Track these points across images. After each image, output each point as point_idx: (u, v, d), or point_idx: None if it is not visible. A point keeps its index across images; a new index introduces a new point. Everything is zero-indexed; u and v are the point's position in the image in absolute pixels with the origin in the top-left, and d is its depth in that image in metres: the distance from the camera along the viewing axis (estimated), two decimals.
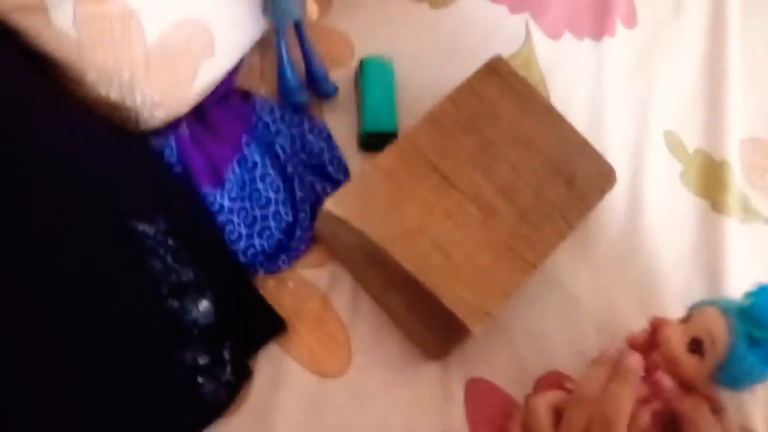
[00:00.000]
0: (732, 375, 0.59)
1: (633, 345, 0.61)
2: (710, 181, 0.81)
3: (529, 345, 0.70)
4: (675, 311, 0.73)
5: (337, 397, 0.64)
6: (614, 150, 0.79)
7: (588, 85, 0.83)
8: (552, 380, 0.66)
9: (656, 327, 0.61)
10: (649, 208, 0.78)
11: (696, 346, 0.58)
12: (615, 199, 0.76)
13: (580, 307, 0.72)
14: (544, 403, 0.57)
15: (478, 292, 0.61)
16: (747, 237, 0.79)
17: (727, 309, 0.59)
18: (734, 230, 0.78)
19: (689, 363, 0.58)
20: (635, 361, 0.55)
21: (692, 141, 0.83)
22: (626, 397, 0.53)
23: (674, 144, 0.82)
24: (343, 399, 0.64)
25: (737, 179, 0.81)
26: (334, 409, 0.64)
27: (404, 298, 0.64)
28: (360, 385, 0.65)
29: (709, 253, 0.77)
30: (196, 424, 0.59)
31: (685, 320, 0.61)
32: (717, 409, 0.59)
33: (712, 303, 0.62)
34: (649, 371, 0.58)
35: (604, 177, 0.69)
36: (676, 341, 0.59)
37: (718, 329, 0.58)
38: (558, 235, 0.65)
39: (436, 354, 0.66)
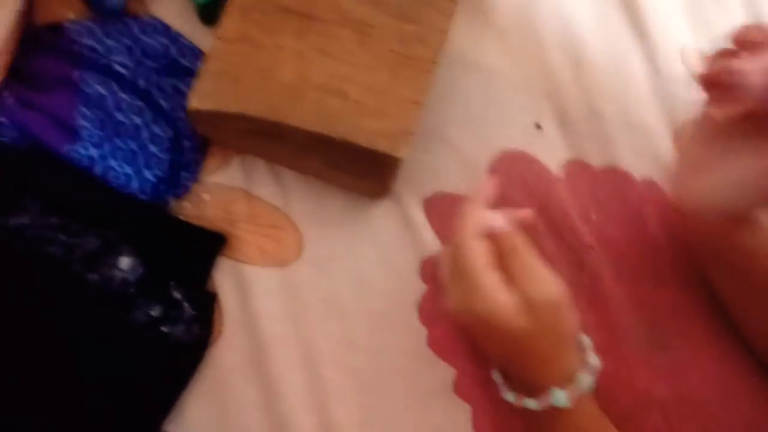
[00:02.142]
0: None
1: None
2: None
3: (468, 137, 0.66)
4: (592, 39, 0.70)
5: (306, 277, 0.62)
6: None
7: None
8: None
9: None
10: None
11: None
12: None
13: (502, 77, 0.68)
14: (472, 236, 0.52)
15: (389, 116, 0.56)
16: None
17: None
18: None
19: None
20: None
21: None
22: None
23: None
24: (313, 275, 0.62)
25: None
26: (309, 289, 0.62)
27: (323, 156, 0.59)
28: (322, 254, 0.63)
29: None
30: (186, 367, 0.58)
31: None
32: None
33: None
34: None
35: None
36: None
37: None
38: (444, 16, 0.59)
39: (379, 193, 0.63)
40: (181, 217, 0.61)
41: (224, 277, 0.61)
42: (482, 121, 0.67)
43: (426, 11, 0.58)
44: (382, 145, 0.55)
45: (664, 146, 0.68)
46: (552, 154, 0.67)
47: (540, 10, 0.70)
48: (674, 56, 0.69)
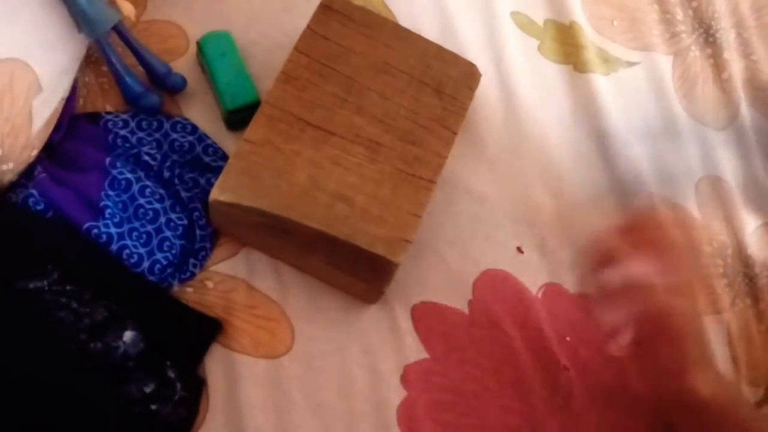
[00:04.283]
0: None
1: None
2: (566, 45, 0.84)
3: (456, 254, 0.72)
4: (573, 179, 0.78)
5: (294, 371, 0.65)
6: (471, 47, 0.80)
7: None
8: None
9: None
10: (520, 90, 0.80)
11: None
12: (487, 92, 0.78)
13: (490, 203, 0.75)
14: None
15: (390, 224, 0.61)
16: (614, 84, 0.83)
17: None
18: (601, 83, 0.82)
19: None
20: None
21: (538, 14, 0.85)
22: None
23: (523, 22, 0.84)
24: (300, 370, 0.65)
25: (589, 35, 0.85)
26: (295, 384, 0.64)
27: (324, 256, 0.64)
28: (311, 352, 0.65)
29: (587, 113, 0.81)
30: None
31: None
32: None
33: None
34: None
35: (469, 75, 0.70)
36: None
37: None
38: (444, 144, 0.66)
39: (373, 296, 0.67)
40: (183, 301, 0.64)
41: (215, 363, 0.63)
42: (470, 240, 0.73)
43: (429, 137, 0.66)
44: (381, 248, 0.60)
45: None
46: (531, 276, 0.72)
47: (526, 147, 0.78)
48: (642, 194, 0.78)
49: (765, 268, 0.79)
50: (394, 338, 0.68)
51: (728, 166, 0.83)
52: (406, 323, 0.68)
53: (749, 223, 0.81)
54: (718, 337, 0.75)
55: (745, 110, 0.86)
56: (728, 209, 0.80)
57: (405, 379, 0.66)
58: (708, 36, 0.89)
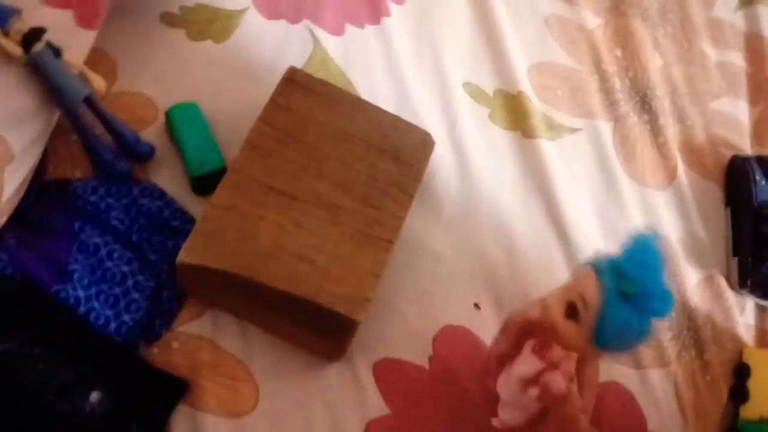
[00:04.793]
0: (610, 333, 0.56)
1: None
2: (514, 113, 0.90)
3: (416, 311, 0.75)
4: (524, 238, 0.82)
5: (258, 429, 0.66)
6: (427, 116, 0.85)
7: (383, 65, 0.88)
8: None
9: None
10: (472, 155, 0.85)
11: (571, 311, 0.57)
12: (442, 157, 0.83)
13: (448, 261, 0.78)
14: None
15: (350, 283, 0.64)
16: (559, 149, 0.89)
17: (600, 267, 0.57)
18: (547, 148, 0.88)
19: (567, 329, 0.57)
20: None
21: (489, 84, 0.92)
22: None
23: (475, 92, 0.90)
24: (265, 428, 0.66)
25: (536, 104, 0.91)
26: None
27: (287, 315, 0.66)
28: (275, 410, 0.67)
29: (535, 176, 0.86)
30: None
31: (565, 286, 0.60)
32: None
33: (591, 262, 0.59)
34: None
35: (424, 142, 0.75)
36: (554, 309, 0.58)
37: (589, 290, 0.56)
38: (401, 207, 0.70)
39: (335, 354, 0.69)
40: (149, 361, 0.65)
41: (180, 423, 0.64)
42: (429, 297, 0.76)
43: (387, 200, 0.70)
44: (342, 306, 0.63)
45: None
46: (488, 331, 0.75)
47: (479, 208, 0.83)
48: (589, 252, 0.82)
49: (708, 321, 0.84)
50: (356, 394, 0.69)
51: (669, 224, 0.89)
52: (367, 379, 0.70)
53: (691, 278, 0.86)
54: (666, 389, 0.78)
55: (682, 172, 0.93)
56: (671, 265, 0.85)
57: None
58: (644, 103, 0.96)
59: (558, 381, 0.59)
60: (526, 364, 0.62)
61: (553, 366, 0.61)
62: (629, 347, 0.61)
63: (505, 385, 0.65)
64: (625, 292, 0.55)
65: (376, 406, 0.69)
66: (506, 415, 0.66)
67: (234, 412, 0.66)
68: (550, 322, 0.58)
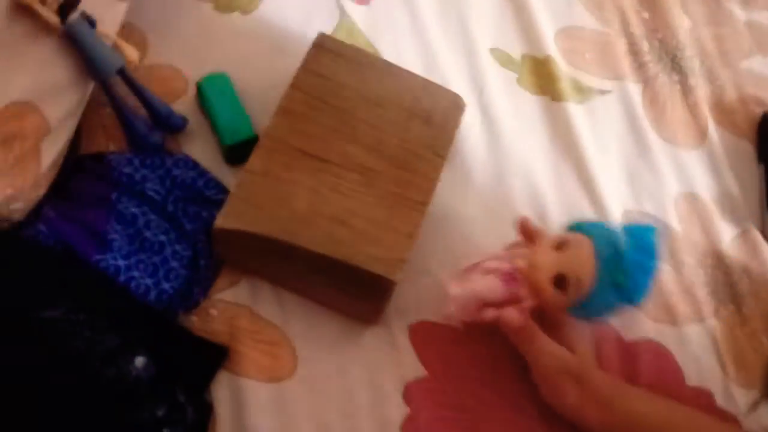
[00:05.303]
0: (589, 311, 0.64)
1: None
2: (542, 78, 0.89)
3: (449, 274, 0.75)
4: (555, 201, 0.81)
5: (298, 394, 0.66)
6: (455, 80, 0.85)
7: (410, 33, 0.88)
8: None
9: (528, 233, 0.67)
10: (501, 120, 0.85)
11: (561, 282, 0.61)
12: (471, 123, 0.83)
13: (479, 226, 0.78)
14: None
15: (386, 245, 0.64)
16: (589, 113, 0.88)
17: (600, 249, 0.61)
18: (577, 111, 0.87)
19: (551, 295, 0.61)
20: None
21: (516, 50, 0.91)
22: None
23: (502, 58, 0.90)
24: (304, 393, 0.67)
25: (563, 68, 0.90)
26: (300, 406, 0.66)
27: (324, 279, 0.67)
28: (313, 373, 0.67)
29: (565, 140, 0.85)
30: None
31: (559, 246, 0.63)
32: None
33: (590, 229, 0.64)
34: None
35: (455, 105, 0.75)
36: (544, 271, 0.61)
37: (585, 272, 0.60)
38: (434, 168, 0.70)
39: (372, 317, 0.70)
40: (188, 329, 0.66)
41: (221, 388, 0.65)
42: (461, 261, 0.75)
43: (419, 163, 0.70)
44: (380, 268, 0.63)
45: None
46: None
47: (510, 172, 0.82)
48: (619, 216, 0.82)
49: (744, 275, 0.83)
50: (393, 357, 0.70)
51: (702, 183, 0.88)
52: (404, 342, 0.71)
53: (726, 235, 0.85)
54: (704, 344, 0.78)
55: (713, 130, 0.91)
56: (706, 222, 0.85)
57: (406, 396, 0.68)
58: (674, 65, 0.95)
59: (514, 317, 0.62)
60: (488, 285, 0.64)
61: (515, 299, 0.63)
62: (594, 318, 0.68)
63: (462, 293, 0.65)
64: (619, 283, 0.61)
65: (414, 368, 0.70)
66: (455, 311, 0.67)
67: (273, 377, 0.67)
68: (535, 281, 0.61)
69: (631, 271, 0.61)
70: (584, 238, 0.63)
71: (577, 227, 0.67)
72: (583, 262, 0.61)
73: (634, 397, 0.67)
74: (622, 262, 0.61)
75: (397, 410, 0.68)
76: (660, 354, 0.76)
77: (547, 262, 0.62)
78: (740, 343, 0.79)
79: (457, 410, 0.69)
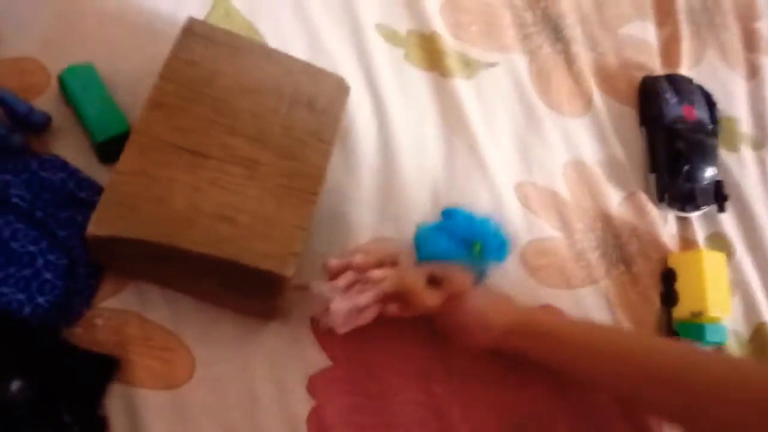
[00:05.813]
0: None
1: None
2: (430, 53, 0.88)
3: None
4: (446, 176, 0.81)
5: (198, 399, 0.64)
6: (341, 61, 0.83)
7: (291, 11, 0.84)
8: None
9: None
10: (390, 98, 0.83)
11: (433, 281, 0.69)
12: (359, 103, 0.81)
13: (377, 206, 0.77)
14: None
15: (276, 239, 0.62)
16: (477, 87, 0.88)
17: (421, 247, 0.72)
18: (465, 87, 0.87)
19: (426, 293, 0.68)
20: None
21: (401, 25, 0.89)
22: None
23: (388, 34, 0.88)
24: (204, 396, 0.64)
25: (450, 42, 0.89)
26: (201, 410, 0.64)
27: (214, 279, 0.64)
28: (213, 376, 0.65)
29: (456, 116, 0.85)
30: None
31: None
32: None
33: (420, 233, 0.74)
34: None
35: (339, 88, 0.73)
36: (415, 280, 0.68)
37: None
38: (322, 156, 0.68)
39: (270, 313, 0.68)
40: (73, 342, 0.62)
41: (115, 401, 0.62)
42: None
43: (306, 151, 0.67)
44: (270, 264, 0.61)
45: None
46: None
47: (402, 152, 0.81)
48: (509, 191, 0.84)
49: (633, 236, 0.87)
50: (296, 351, 0.69)
51: (588, 150, 0.90)
52: (306, 334, 0.69)
53: (614, 198, 0.88)
54: (599, 304, 0.81)
55: (597, 97, 0.94)
56: (594, 188, 0.88)
57: (311, 388, 0.68)
58: (557, 33, 0.96)
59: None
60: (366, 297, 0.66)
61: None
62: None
63: (344, 306, 0.66)
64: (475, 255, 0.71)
65: (317, 360, 0.69)
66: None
67: (170, 383, 0.64)
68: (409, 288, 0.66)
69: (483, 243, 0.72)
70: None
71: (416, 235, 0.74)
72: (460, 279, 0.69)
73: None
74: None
75: (302, 404, 0.67)
76: (556, 315, 0.78)
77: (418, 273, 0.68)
78: (633, 302, 0.82)
79: (363, 396, 0.69)
